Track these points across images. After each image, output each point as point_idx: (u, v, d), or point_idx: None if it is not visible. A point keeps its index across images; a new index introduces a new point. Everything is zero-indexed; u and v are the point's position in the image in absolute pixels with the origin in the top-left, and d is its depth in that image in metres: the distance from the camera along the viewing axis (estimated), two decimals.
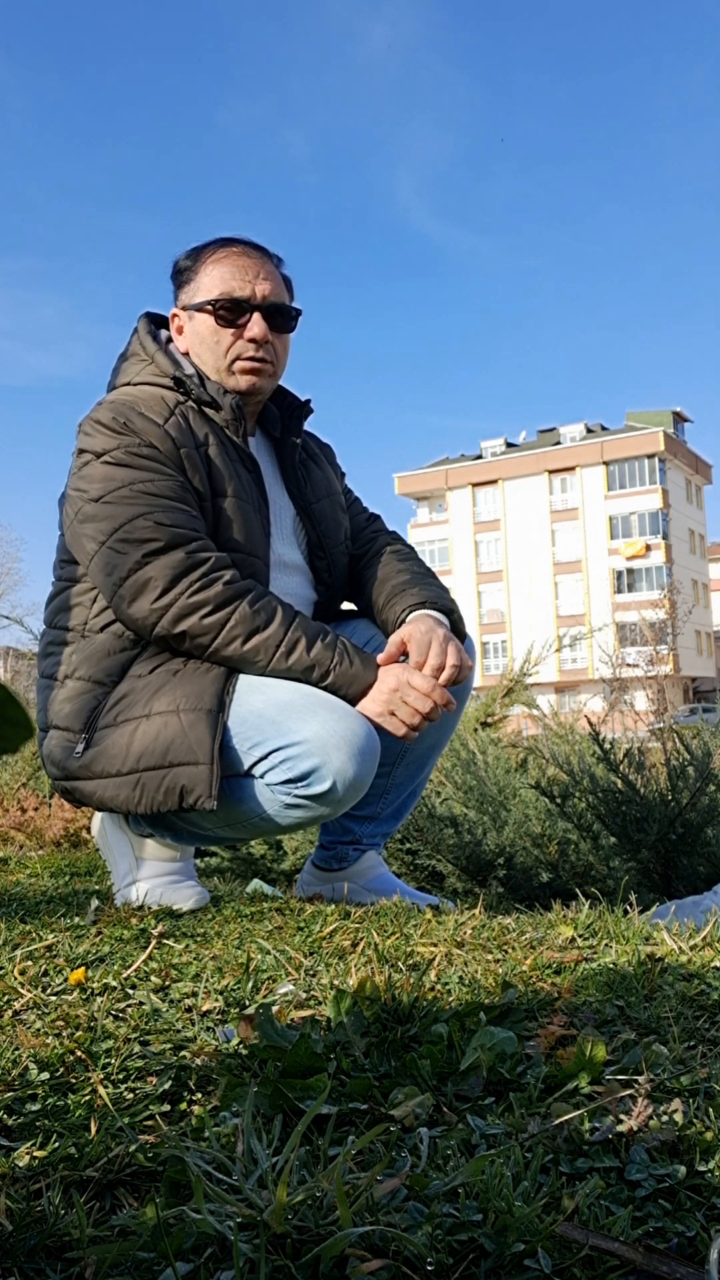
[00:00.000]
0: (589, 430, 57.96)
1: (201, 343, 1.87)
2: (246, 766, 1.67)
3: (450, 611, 1.90)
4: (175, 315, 1.92)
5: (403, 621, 1.86)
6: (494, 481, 57.15)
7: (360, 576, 2.03)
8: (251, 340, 1.85)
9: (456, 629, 1.90)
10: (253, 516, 1.83)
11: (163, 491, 1.71)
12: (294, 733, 1.63)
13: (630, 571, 53.04)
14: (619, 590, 52.82)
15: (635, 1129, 0.76)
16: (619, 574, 53.20)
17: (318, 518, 1.97)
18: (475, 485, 57.35)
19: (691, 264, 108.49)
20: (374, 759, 1.68)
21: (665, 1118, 0.79)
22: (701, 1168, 0.72)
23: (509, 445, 60.25)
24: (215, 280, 1.85)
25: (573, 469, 55.20)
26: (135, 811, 1.73)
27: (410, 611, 1.87)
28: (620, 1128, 0.76)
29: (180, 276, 1.92)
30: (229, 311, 1.84)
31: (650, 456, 53.40)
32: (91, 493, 1.74)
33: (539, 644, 4.91)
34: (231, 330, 1.85)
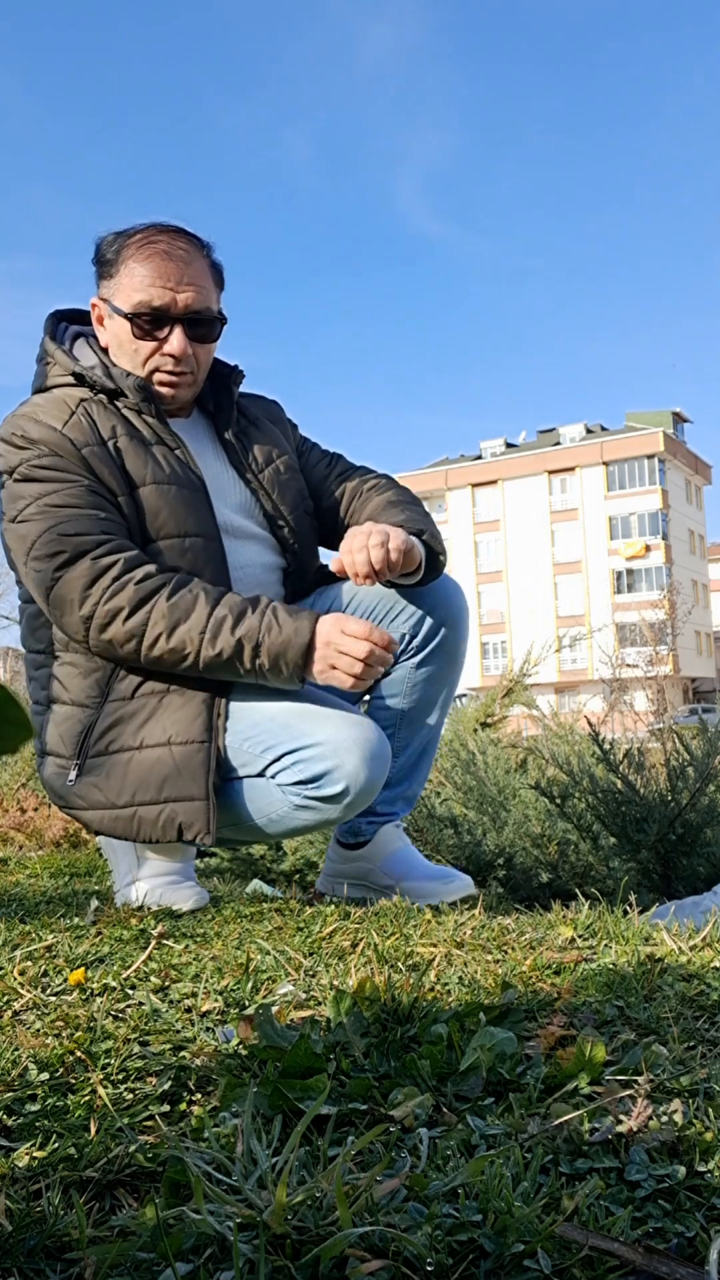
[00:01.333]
0: (589, 430, 57.97)
1: (120, 347, 1.82)
2: (259, 769, 1.67)
3: (420, 532, 1.80)
4: (95, 305, 1.84)
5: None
6: (494, 482, 57.16)
7: (341, 528, 1.96)
8: (170, 355, 1.79)
9: (431, 551, 1.81)
10: (182, 497, 1.76)
11: (65, 501, 1.68)
12: (307, 735, 1.63)
13: (630, 572, 53.04)
14: (619, 591, 52.82)
15: (635, 1129, 0.76)
16: (619, 574, 53.21)
17: (267, 485, 1.90)
18: (475, 485, 57.35)
19: (691, 264, 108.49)
20: (386, 763, 1.67)
21: (665, 1118, 0.79)
22: (701, 1168, 0.72)
23: (509, 445, 60.27)
24: (136, 283, 1.76)
25: (572, 469, 55.21)
26: (136, 841, 1.74)
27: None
28: (620, 1128, 0.76)
29: (102, 265, 1.83)
30: (149, 324, 1.77)
31: (650, 457, 53.40)
32: (8, 514, 1.73)
33: (539, 644, 4.91)
34: (151, 343, 1.79)
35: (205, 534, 1.79)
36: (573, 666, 49.71)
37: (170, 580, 1.67)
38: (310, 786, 1.64)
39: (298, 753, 1.63)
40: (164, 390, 1.82)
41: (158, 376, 1.81)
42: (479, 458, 60.06)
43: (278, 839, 1.84)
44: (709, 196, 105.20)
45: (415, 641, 1.92)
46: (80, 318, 1.95)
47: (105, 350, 1.86)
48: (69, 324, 1.93)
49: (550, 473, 55.75)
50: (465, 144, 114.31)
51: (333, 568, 1.76)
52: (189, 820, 1.66)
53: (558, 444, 57.42)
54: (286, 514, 1.91)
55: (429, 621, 1.90)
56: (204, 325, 1.81)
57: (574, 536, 54.89)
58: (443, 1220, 0.63)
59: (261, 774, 1.68)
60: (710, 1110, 0.80)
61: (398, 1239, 0.61)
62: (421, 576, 1.84)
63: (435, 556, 1.84)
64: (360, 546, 1.69)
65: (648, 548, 52.69)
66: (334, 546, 1.99)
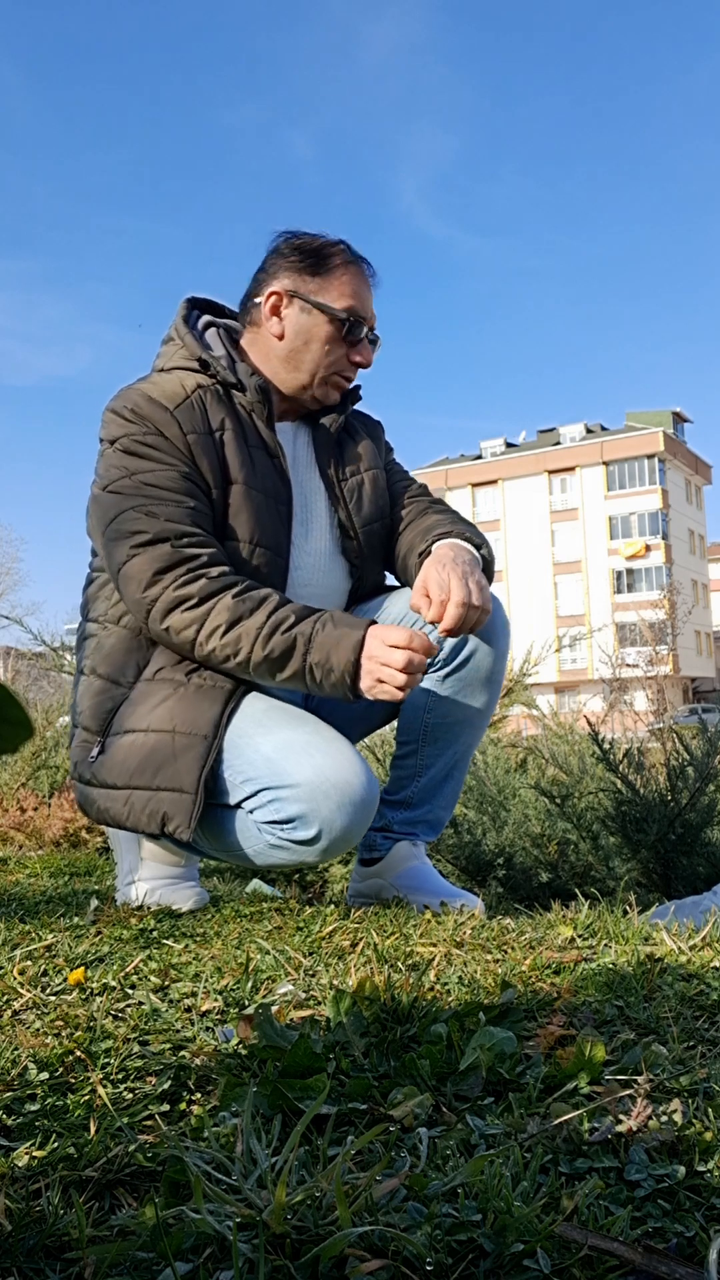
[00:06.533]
0: (589, 430, 57.97)
1: (306, 341, 1.82)
2: (235, 800, 1.65)
3: (480, 545, 1.82)
4: (279, 295, 1.83)
5: (425, 555, 1.80)
6: (494, 482, 57.16)
7: (395, 542, 1.97)
8: (357, 364, 1.86)
9: (486, 567, 1.81)
10: (266, 506, 1.78)
11: (161, 483, 1.69)
12: (287, 775, 1.59)
13: (630, 572, 53.04)
14: (619, 590, 52.82)
15: (634, 1129, 0.76)
16: (619, 574, 53.20)
17: (347, 495, 1.91)
18: (475, 485, 57.35)
19: (692, 264, 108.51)
20: (368, 811, 1.62)
21: (664, 1118, 0.79)
22: (701, 1168, 0.72)
23: (509, 445, 60.26)
24: (347, 289, 1.82)
25: (572, 469, 55.20)
26: (124, 828, 1.73)
27: (434, 544, 1.80)
28: (619, 1128, 0.76)
29: (305, 260, 1.83)
30: (353, 329, 1.83)
31: (650, 457, 53.40)
32: (100, 481, 1.75)
33: (539, 644, 4.90)
34: (343, 346, 1.83)
35: (276, 549, 1.80)
36: (573, 666, 49.70)
37: (243, 581, 1.68)
38: (284, 828, 1.61)
39: (274, 790, 1.60)
40: (334, 393, 1.88)
41: (336, 379, 1.86)
42: (479, 457, 60.05)
43: (265, 870, 1.80)
44: (710, 196, 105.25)
45: (443, 653, 1.87)
46: (212, 309, 1.96)
47: (236, 343, 1.87)
48: (201, 313, 1.94)
49: (550, 472, 55.74)
50: (467, 144, 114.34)
51: (415, 598, 1.71)
52: (172, 812, 1.64)
53: (558, 444, 57.41)
54: (359, 527, 1.91)
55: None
56: (374, 346, 1.89)
57: (574, 536, 54.89)
58: (442, 1220, 0.63)
59: (238, 806, 1.66)
60: (710, 1110, 0.80)
61: (397, 1239, 0.61)
62: None
63: (488, 574, 1.82)
64: (459, 602, 1.63)
65: (648, 547, 52.68)
66: (391, 564, 2.00)
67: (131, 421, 1.73)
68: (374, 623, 1.63)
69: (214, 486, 1.74)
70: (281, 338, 1.83)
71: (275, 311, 1.83)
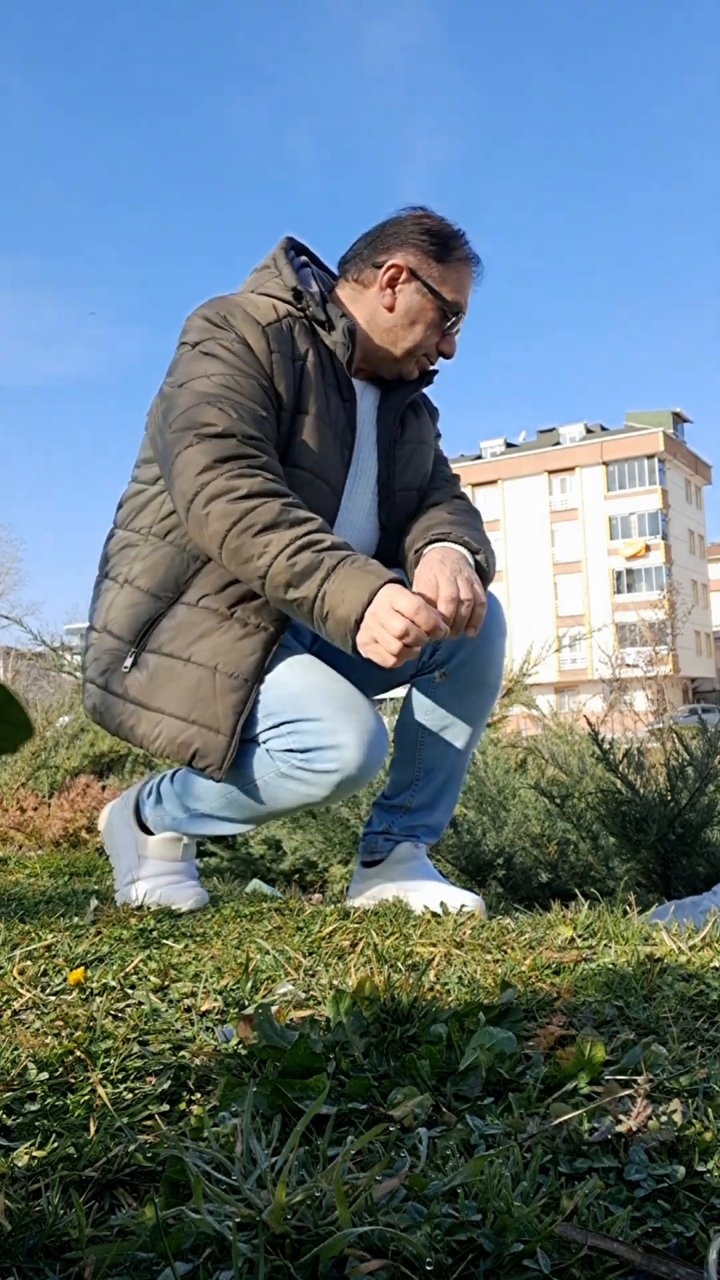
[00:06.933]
0: (588, 430, 57.97)
1: (412, 321, 1.86)
2: (254, 733, 1.68)
3: (475, 550, 1.81)
4: (400, 268, 1.85)
5: (420, 556, 1.81)
6: (493, 482, 57.15)
7: (408, 528, 1.97)
8: (443, 353, 1.91)
9: (481, 571, 1.81)
10: (332, 442, 1.80)
11: (239, 388, 1.69)
12: (310, 710, 1.63)
13: (630, 572, 53.04)
14: (618, 591, 52.82)
15: (634, 1129, 0.76)
16: (618, 574, 53.20)
17: (396, 457, 1.93)
18: (475, 485, 57.29)
19: (692, 264, 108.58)
20: (381, 754, 1.66)
21: (664, 1118, 0.79)
22: (700, 1168, 0.72)
23: (508, 445, 60.25)
24: (459, 283, 1.87)
25: (572, 469, 55.20)
26: (147, 750, 1.74)
27: (427, 546, 1.81)
28: (619, 1128, 0.76)
29: (434, 244, 1.86)
30: (452, 320, 1.88)
31: (650, 457, 53.40)
32: (176, 379, 1.74)
33: (538, 644, 4.90)
34: (437, 333, 1.88)
35: (334, 487, 1.82)
36: (572, 666, 49.71)
37: (294, 495, 1.67)
38: (300, 757, 1.64)
39: (296, 724, 1.64)
40: (414, 370, 1.92)
41: (422, 360, 1.91)
42: (479, 458, 60.04)
43: (259, 819, 1.78)
44: (710, 196, 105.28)
45: (439, 654, 1.88)
46: (307, 254, 1.98)
47: (391, 310, 1.87)
48: (297, 254, 1.95)
49: (550, 473, 55.74)
50: (468, 144, 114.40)
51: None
52: (205, 750, 1.68)
53: (558, 444, 57.40)
54: (397, 490, 1.93)
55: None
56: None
57: (574, 536, 54.88)
58: (442, 1220, 0.63)
59: (255, 739, 1.68)
60: (710, 1110, 0.80)
61: (397, 1239, 0.61)
62: None
63: (484, 578, 1.83)
64: (448, 599, 1.64)
65: (648, 548, 52.68)
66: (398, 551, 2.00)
67: (220, 327, 1.74)
68: (401, 581, 1.59)
69: (285, 408, 1.75)
70: (391, 310, 1.86)
71: (392, 283, 1.86)
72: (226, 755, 1.66)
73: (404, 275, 1.85)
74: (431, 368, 1.97)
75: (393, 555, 1.98)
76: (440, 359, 1.93)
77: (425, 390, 2.05)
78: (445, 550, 1.78)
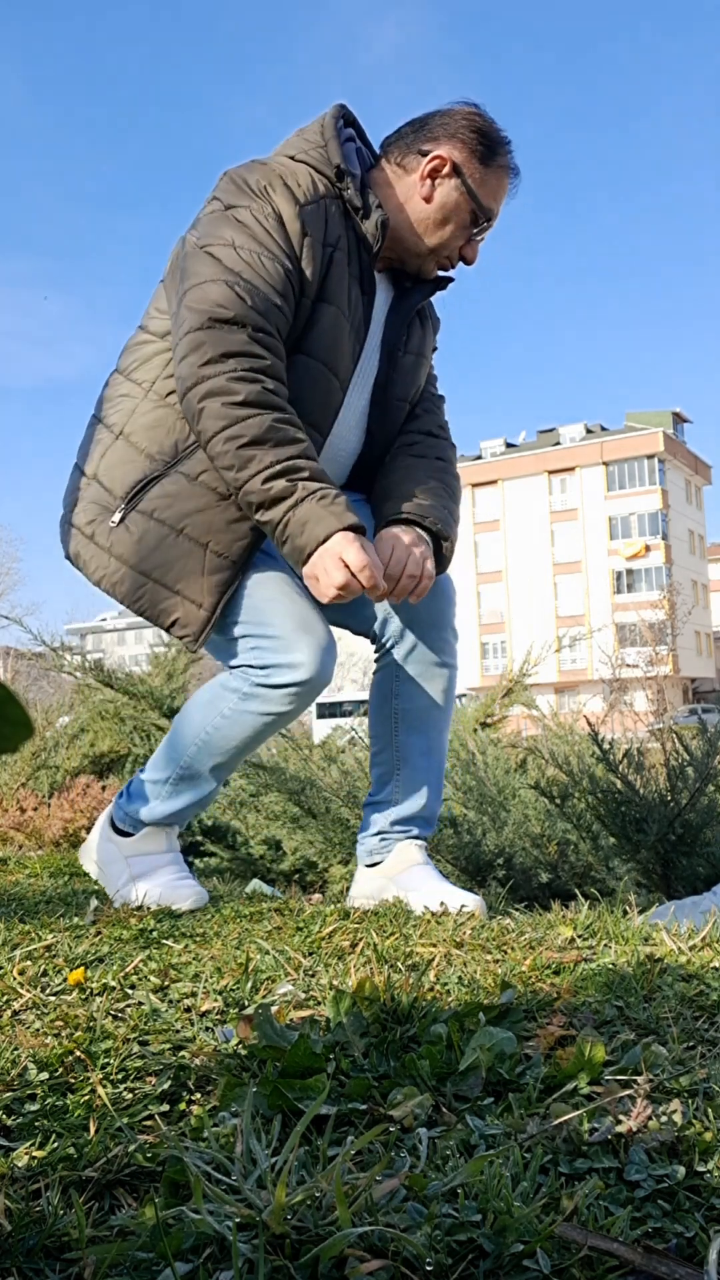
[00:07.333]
0: (588, 431, 57.97)
1: (446, 217, 1.83)
2: (226, 634, 1.76)
3: (436, 535, 1.82)
4: (445, 160, 1.82)
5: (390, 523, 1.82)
6: (493, 482, 57.14)
7: (386, 464, 1.95)
8: (465, 258, 1.89)
9: (440, 556, 1.84)
10: (348, 335, 1.78)
11: (260, 269, 1.66)
12: (270, 623, 1.70)
13: (630, 572, 53.04)
14: (618, 591, 52.82)
15: (634, 1129, 0.76)
16: (618, 574, 53.19)
17: (395, 364, 1.92)
18: (475, 485, 57.30)
19: (692, 264, 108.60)
20: (332, 662, 1.73)
21: (664, 1118, 0.79)
22: (700, 1168, 0.72)
23: (508, 445, 60.25)
24: (496, 189, 1.84)
25: (572, 469, 55.19)
26: (121, 602, 1.78)
27: (389, 524, 1.81)
28: (619, 1128, 0.76)
29: (482, 144, 1.83)
30: (483, 224, 1.86)
31: (650, 457, 53.40)
32: (201, 238, 1.71)
33: (538, 644, 4.89)
34: (465, 233, 1.85)
35: (341, 381, 1.81)
36: (572, 667, 49.70)
37: (291, 412, 1.66)
38: (259, 672, 1.71)
39: (256, 639, 1.71)
40: (435, 269, 1.91)
41: (445, 259, 1.89)
42: (479, 458, 60.02)
43: (231, 755, 1.79)
44: (710, 196, 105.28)
45: (389, 636, 1.92)
46: (355, 126, 1.92)
47: (428, 200, 1.85)
48: (347, 125, 1.90)
49: (550, 473, 55.73)
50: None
51: None
52: (185, 620, 1.74)
53: (558, 444, 57.40)
54: (389, 399, 1.92)
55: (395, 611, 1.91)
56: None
57: (574, 536, 54.87)
58: (442, 1220, 0.63)
59: (225, 637, 1.76)
60: (710, 1110, 0.80)
61: (397, 1239, 0.61)
62: None
63: (441, 560, 1.84)
64: (393, 574, 1.72)
65: (648, 548, 52.68)
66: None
67: (258, 196, 1.71)
68: (363, 530, 1.64)
69: (307, 294, 1.73)
70: (429, 200, 1.84)
71: (434, 174, 1.83)
72: (205, 629, 1.73)
73: (447, 168, 1.82)
74: (449, 273, 1.95)
75: (374, 465, 1.96)
76: (460, 265, 1.90)
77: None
78: (415, 534, 1.78)
